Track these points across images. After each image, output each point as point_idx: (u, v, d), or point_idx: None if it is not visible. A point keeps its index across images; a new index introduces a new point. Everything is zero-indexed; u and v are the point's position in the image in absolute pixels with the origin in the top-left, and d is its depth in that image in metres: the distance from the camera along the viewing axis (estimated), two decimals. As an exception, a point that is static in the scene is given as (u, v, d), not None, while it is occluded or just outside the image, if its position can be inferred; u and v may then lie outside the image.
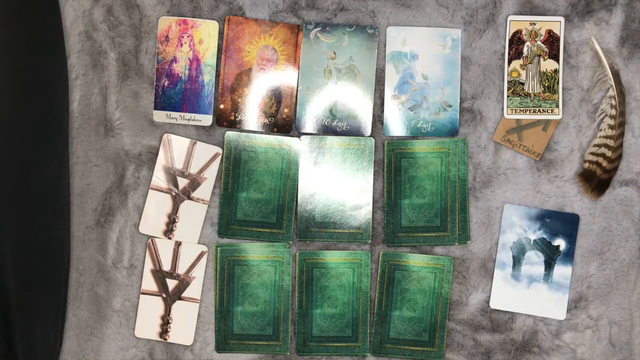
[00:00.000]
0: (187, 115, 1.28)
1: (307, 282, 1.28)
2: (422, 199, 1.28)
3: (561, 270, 1.27)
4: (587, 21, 1.27)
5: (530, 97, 1.27)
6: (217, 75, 1.28)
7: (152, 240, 1.28)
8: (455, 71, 1.27)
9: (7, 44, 1.17)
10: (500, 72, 1.28)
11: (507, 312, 1.28)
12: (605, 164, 1.26)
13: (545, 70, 1.27)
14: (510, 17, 1.27)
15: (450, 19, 1.27)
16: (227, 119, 1.28)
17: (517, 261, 1.28)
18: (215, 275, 1.28)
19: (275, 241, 1.28)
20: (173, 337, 1.28)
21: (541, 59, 1.27)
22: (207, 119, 1.28)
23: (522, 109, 1.27)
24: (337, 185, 1.28)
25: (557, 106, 1.27)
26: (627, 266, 1.28)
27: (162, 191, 1.28)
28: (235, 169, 1.28)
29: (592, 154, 1.27)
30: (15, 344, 1.16)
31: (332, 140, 1.28)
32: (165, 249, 1.28)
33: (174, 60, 1.28)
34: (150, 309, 1.28)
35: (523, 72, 1.27)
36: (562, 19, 1.27)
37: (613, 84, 1.26)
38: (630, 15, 1.27)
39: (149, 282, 1.28)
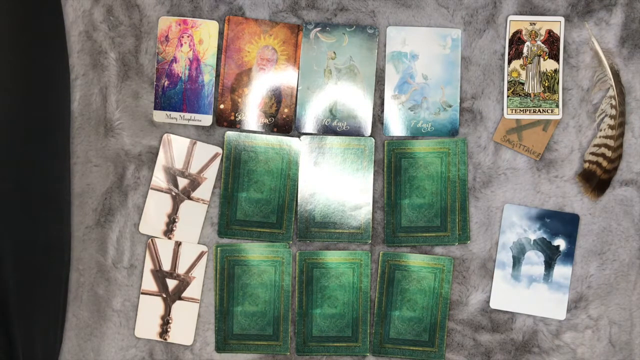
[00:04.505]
0: (187, 115, 1.28)
1: (307, 282, 1.28)
2: (422, 199, 1.28)
3: (561, 270, 1.27)
4: (587, 21, 1.27)
5: (530, 97, 1.27)
6: (217, 75, 1.28)
7: (152, 240, 1.28)
8: (455, 71, 1.27)
9: (10, 43, 1.17)
10: (500, 72, 1.28)
11: (507, 312, 1.28)
12: (605, 164, 1.26)
13: (545, 70, 1.27)
14: (510, 17, 1.27)
15: (450, 19, 1.27)
16: (227, 119, 1.28)
17: (517, 261, 1.28)
18: (215, 275, 1.28)
19: (275, 241, 1.28)
20: (173, 337, 1.28)
21: (541, 59, 1.27)
22: (207, 119, 1.28)
23: (522, 109, 1.27)
24: (337, 185, 1.28)
25: (557, 106, 1.27)
26: (627, 266, 1.28)
27: (162, 191, 1.28)
28: (235, 169, 1.28)
29: (592, 154, 1.27)
30: (15, 344, 1.16)
31: (332, 140, 1.28)
32: (165, 249, 1.28)
33: (174, 60, 1.28)
34: (150, 309, 1.28)
35: (523, 72, 1.27)
36: (562, 19, 1.27)
37: (613, 84, 1.26)
38: (630, 15, 1.27)
39: (149, 282, 1.28)
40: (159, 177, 1.28)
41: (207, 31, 1.27)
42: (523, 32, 1.27)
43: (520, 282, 1.28)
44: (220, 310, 1.28)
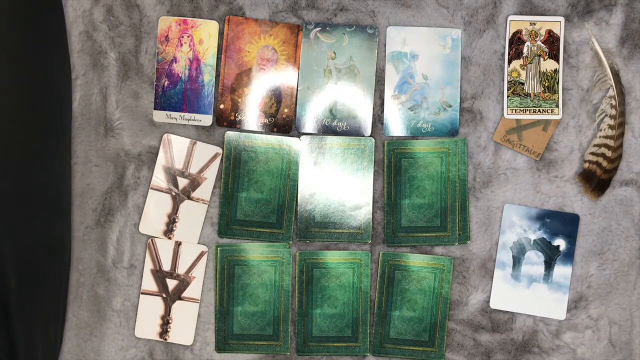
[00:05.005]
0: (187, 115, 1.28)
1: (307, 282, 1.28)
2: (422, 199, 1.28)
3: (561, 270, 1.27)
4: (587, 21, 1.27)
5: (530, 97, 1.27)
6: (217, 75, 1.28)
7: (152, 240, 1.28)
8: (455, 71, 1.27)
9: (11, 43, 1.17)
10: (500, 72, 1.28)
11: (507, 312, 1.28)
12: (605, 164, 1.26)
13: (545, 70, 1.27)
14: (510, 17, 1.27)
15: (450, 19, 1.27)
16: (227, 119, 1.28)
17: (517, 261, 1.28)
18: (215, 275, 1.28)
19: (275, 241, 1.28)
20: (173, 337, 1.28)
21: (541, 59, 1.27)
22: (207, 119, 1.28)
23: (522, 109, 1.27)
24: (337, 185, 1.28)
25: (557, 106, 1.27)
26: (627, 266, 1.28)
27: (162, 191, 1.28)
28: (235, 169, 1.28)
29: (592, 154, 1.27)
30: (15, 344, 1.16)
31: (332, 140, 1.28)
32: (165, 249, 1.28)
33: (174, 60, 1.28)
34: (150, 309, 1.28)
35: (523, 72, 1.27)
36: (562, 19, 1.27)
37: (613, 84, 1.26)
38: (630, 15, 1.27)
39: (149, 282, 1.28)
40: (159, 177, 1.28)
41: (207, 31, 1.27)
42: (523, 32, 1.27)
43: (520, 282, 1.28)
44: (220, 310, 1.28)
